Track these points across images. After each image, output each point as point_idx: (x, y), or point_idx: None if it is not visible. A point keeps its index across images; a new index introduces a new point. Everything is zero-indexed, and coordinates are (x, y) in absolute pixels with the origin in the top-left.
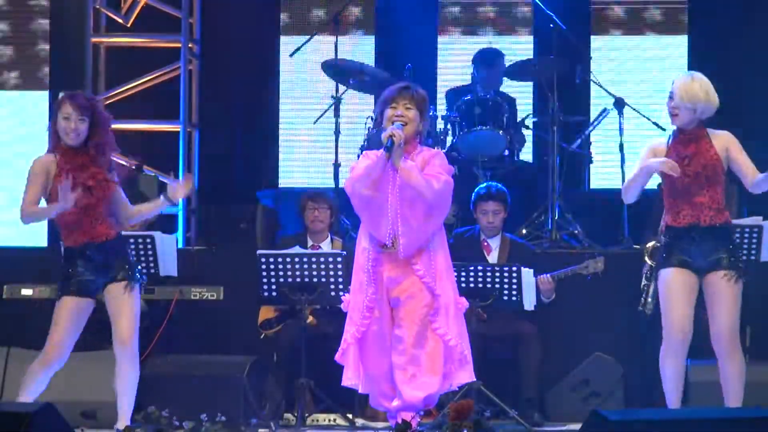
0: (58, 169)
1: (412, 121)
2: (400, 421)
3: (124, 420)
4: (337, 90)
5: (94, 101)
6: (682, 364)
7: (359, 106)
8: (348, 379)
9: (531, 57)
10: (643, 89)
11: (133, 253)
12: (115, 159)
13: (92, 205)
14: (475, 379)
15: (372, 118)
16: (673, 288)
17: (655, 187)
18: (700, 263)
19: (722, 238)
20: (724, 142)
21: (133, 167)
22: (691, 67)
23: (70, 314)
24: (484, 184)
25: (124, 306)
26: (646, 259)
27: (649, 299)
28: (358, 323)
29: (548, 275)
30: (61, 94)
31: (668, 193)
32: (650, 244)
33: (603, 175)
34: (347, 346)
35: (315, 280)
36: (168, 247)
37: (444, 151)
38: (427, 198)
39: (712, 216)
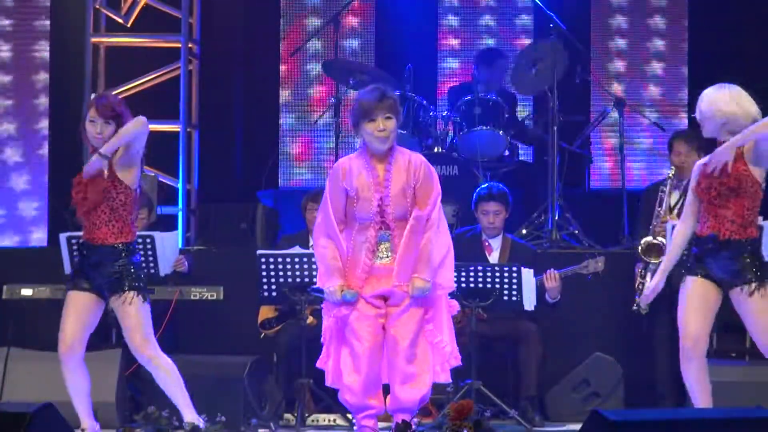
0: None
1: (394, 131)
2: (399, 421)
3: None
4: (337, 90)
5: (121, 104)
6: (696, 367)
7: None
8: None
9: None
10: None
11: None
12: None
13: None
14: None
15: None
16: (692, 297)
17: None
18: (719, 276)
19: (739, 252)
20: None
21: None
22: (691, 66)
23: None
24: (486, 185)
25: None
26: (641, 254)
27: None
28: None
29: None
30: (92, 96)
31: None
32: (644, 241)
33: (603, 175)
34: (337, 365)
35: (315, 280)
36: (169, 246)
37: (444, 151)
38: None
39: (733, 231)
